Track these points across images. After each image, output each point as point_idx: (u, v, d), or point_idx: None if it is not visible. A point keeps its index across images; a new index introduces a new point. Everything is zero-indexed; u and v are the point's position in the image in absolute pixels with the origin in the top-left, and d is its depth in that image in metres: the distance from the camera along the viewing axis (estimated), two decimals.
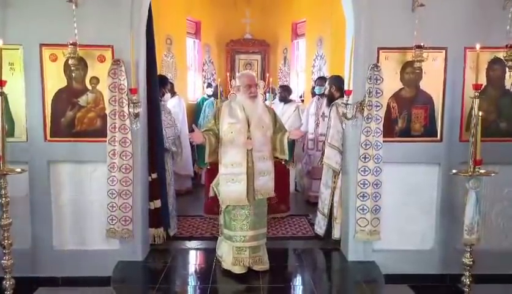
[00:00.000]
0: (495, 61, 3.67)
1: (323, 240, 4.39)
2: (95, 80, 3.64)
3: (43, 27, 3.58)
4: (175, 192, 4.71)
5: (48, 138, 3.67)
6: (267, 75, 8.10)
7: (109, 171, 3.62)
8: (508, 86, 3.72)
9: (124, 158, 3.60)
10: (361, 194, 3.67)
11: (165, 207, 4.17)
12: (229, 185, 3.51)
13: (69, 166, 3.76)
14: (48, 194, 3.74)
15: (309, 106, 6.23)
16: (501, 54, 3.54)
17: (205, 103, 7.32)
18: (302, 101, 8.19)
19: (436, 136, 3.74)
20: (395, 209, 3.81)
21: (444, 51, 3.66)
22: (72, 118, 3.66)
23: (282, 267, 3.80)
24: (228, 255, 3.64)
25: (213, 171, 5.15)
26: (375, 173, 3.64)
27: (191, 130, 6.81)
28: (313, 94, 6.24)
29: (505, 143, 3.73)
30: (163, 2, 7.03)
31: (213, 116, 3.67)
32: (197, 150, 3.60)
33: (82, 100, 3.66)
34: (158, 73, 4.60)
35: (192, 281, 3.65)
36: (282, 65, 9.38)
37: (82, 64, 3.58)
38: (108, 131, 3.58)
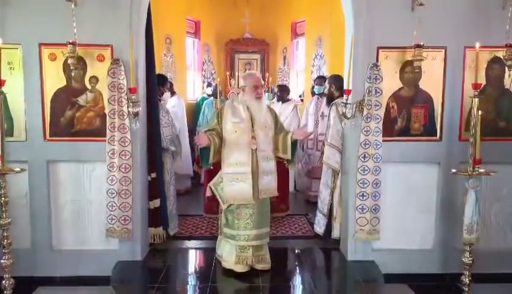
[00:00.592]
0: (494, 60, 3.68)
1: (322, 239, 4.39)
2: (95, 79, 3.64)
3: (42, 27, 3.57)
4: (175, 191, 4.69)
5: (47, 137, 3.66)
6: (267, 74, 8.11)
7: (108, 170, 3.61)
8: (507, 85, 3.72)
9: (123, 157, 3.60)
10: (361, 193, 3.67)
11: (163, 207, 4.17)
12: (234, 184, 3.51)
13: (68, 166, 3.76)
14: (47, 193, 3.74)
15: (308, 106, 6.23)
16: (500, 54, 3.55)
17: (205, 103, 7.30)
18: (302, 100, 8.18)
19: (436, 136, 3.74)
20: (394, 209, 3.81)
21: (443, 50, 3.66)
22: (71, 117, 3.66)
23: (281, 266, 3.80)
24: (230, 254, 3.64)
25: (213, 170, 5.17)
26: (374, 173, 3.64)
27: (190, 130, 6.85)
28: (313, 94, 6.24)
29: (504, 142, 3.73)
30: (163, 2, 7.03)
31: (216, 115, 3.67)
32: (201, 151, 3.59)
33: (81, 100, 3.66)
34: (157, 73, 4.60)
35: (191, 280, 3.65)
36: (282, 64, 9.38)
37: (81, 63, 3.58)
38: (107, 131, 3.58)
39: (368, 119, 3.61)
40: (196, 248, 4.29)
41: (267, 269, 3.64)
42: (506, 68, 3.54)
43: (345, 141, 4.00)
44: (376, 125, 3.61)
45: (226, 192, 3.56)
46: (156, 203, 4.08)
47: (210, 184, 3.71)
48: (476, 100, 3.02)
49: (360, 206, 3.68)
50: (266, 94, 6.55)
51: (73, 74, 3.61)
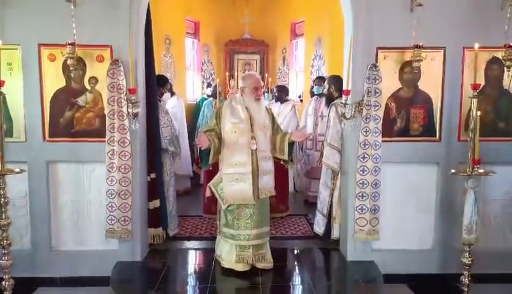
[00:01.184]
0: (493, 61, 3.69)
1: (322, 240, 4.40)
2: (94, 80, 3.64)
3: (41, 27, 3.58)
4: (175, 191, 4.69)
5: (47, 138, 3.67)
6: (266, 75, 8.12)
7: (108, 171, 3.62)
8: (506, 85, 3.73)
9: (122, 158, 3.60)
10: (360, 194, 3.68)
11: (163, 207, 4.17)
12: (233, 184, 3.52)
13: (68, 166, 3.76)
14: (47, 194, 3.74)
15: (308, 107, 6.23)
16: (499, 54, 3.55)
17: (204, 103, 7.31)
18: (301, 101, 8.19)
19: (435, 136, 3.75)
20: (394, 209, 3.81)
21: (442, 50, 3.67)
22: (71, 118, 3.66)
23: (281, 266, 3.80)
24: (230, 254, 3.65)
25: (212, 171, 5.16)
26: (373, 173, 3.64)
27: (190, 131, 6.85)
28: (312, 94, 6.24)
29: (503, 142, 3.74)
30: (162, 2, 7.03)
31: (215, 115, 3.68)
32: (201, 152, 3.60)
33: (81, 100, 3.66)
34: (157, 73, 4.60)
35: (191, 281, 3.65)
36: (281, 65, 9.38)
37: (81, 63, 3.58)
38: (106, 131, 3.58)
39: (368, 120, 3.62)
40: (196, 249, 4.29)
41: (269, 268, 3.65)
42: (505, 69, 3.53)
43: (345, 142, 4.00)
44: (375, 125, 3.62)
45: (226, 192, 3.56)
46: (156, 203, 4.08)
47: (210, 184, 3.71)
48: (475, 100, 3.02)
49: (359, 207, 3.69)
50: (266, 94, 6.56)
51: (72, 75, 3.62)
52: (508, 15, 3.48)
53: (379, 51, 3.66)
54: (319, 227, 4.48)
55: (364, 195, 3.67)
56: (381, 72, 3.60)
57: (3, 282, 2.96)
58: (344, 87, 3.59)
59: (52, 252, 3.79)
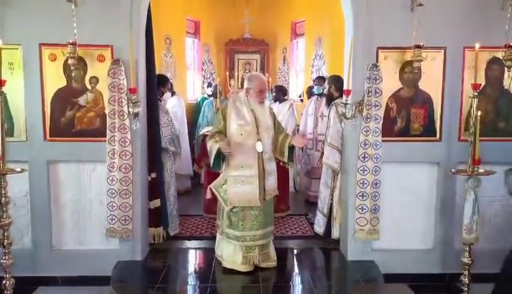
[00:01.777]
0: (493, 61, 3.69)
1: (322, 239, 4.40)
2: (95, 80, 3.65)
3: (42, 27, 3.58)
4: (176, 191, 4.69)
5: (48, 137, 3.67)
6: (267, 74, 8.11)
7: (108, 170, 3.62)
8: (506, 85, 3.73)
9: (123, 157, 3.61)
10: (360, 193, 3.68)
11: (164, 207, 4.17)
12: (238, 186, 3.50)
13: (69, 166, 3.77)
14: (48, 194, 3.75)
15: (308, 106, 6.23)
16: (499, 54, 3.55)
17: (204, 103, 7.31)
18: (302, 101, 8.19)
19: (435, 136, 3.75)
20: (394, 209, 3.82)
21: (443, 50, 3.67)
22: (72, 118, 3.67)
23: (281, 266, 3.80)
24: (234, 255, 3.64)
25: (212, 171, 5.19)
26: (374, 173, 3.65)
27: (190, 131, 6.84)
28: (309, 95, 6.24)
29: (504, 142, 3.74)
30: (163, 2, 7.03)
31: (221, 116, 3.62)
32: (216, 156, 3.51)
33: (81, 100, 3.67)
34: (158, 73, 4.61)
35: (191, 280, 3.65)
36: (281, 64, 9.39)
37: (81, 63, 3.59)
38: (107, 131, 3.59)
39: (368, 120, 3.62)
40: (197, 249, 4.30)
41: (273, 267, 3.68)
42: (505, 69, 3.54)
43: (345, 142, 4.01)
44: (376, 125, 3.62)
45: (230, 194, 3.53)
46: (156, 203, 4.09)
47: (212, 186, 3.69)
48: (476, 100, 3.03)
49: (360, 206, 3.69)
50: (267, 94, 6.57)
51: (73, 74, 3.62)
52: (509, 15, 3.49)
53: (379, 51, 3.66)
54: (319, 227, 4.48)
55: (365, 194, 3.68)
56: (382, 72, 3.60)
57: (4, 281, 2.96)
58: (345, 87, 3.59)
59: (53, 251, 3.80)
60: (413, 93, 3.71)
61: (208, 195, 3.74)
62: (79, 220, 3.83)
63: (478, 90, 3.06)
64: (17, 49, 3.57)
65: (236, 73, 9.06)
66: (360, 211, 3.69)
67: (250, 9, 8.88)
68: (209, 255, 4.01)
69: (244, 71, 9.16)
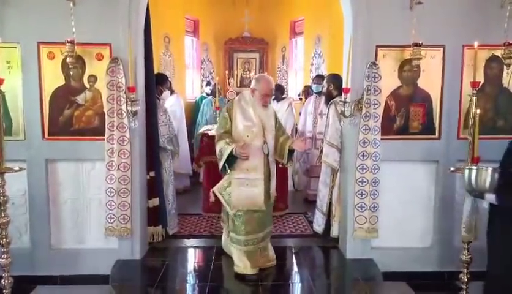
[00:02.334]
0: (492, 59, 3.68)
1: (321, 238, 4.40)
2: (93, 78, 3.64)
3: (40, 26, 3.57)
4: (175, 190, 4.69)
5: (46, 136, 3.66)
6: (266, 73, 8.10)
7: (107, 169, 3.62)
8: (505, 83, 3.73)
9: (122, 156, 3.60)
10: (359, 192, 3.68)
11: (162, 206, 4.17)
12: (243, 189, 3.42)
13: (67, 165, 3.76)
14: (46, 192, 3.74)
15: (307, 105, 6.23)
16: (498, 52, 3.56)
17: (203, 102, 7.32)
18: (301, 99, 8.18)
19: (434, 134, 3.75)
20: (393, 207, 3.81)
21: (442, 48, 3.67)
22: (70, 116, 3.66)
23: (280, 265, 3.80)
24: (240, 260, 3.54)
25: (211, 169, 5.19)
26: (373, 171, 3.64)
27: (189, 130, 6.84)
28: (306, 94, 6.23)
29: (503, 140, 3.71)
30: (162, 1, 7.04)
31: (228, 116, 3.49)
32: (228, 158, 3.37)
33: (80, 98, 3.66)
34: (157, 72, 4.59)
35: (190, 279, 3.65)
36: (281, 63, 9.38)
37: (80, 62, 3.58)
38: (106, 130, 3.58)
39: (367, 118, 3.62)
40: (195, 247, 4.29)
41: (272, 266, 3.67)
42: (504, 67, 3.55)
43: (344, 140, 4.00)
44: (375, 123, 3.62)
45: (234, 197, 3.45)
46: (155, 201, 4.09)
47: (215, 189, 3.60)
48: (475, 98, 3.03)
49: (359, 204, 3.69)
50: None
51: (71, 73, 3.61)
52: (508, 13, 3.48)
53: (378, 49, 3.65)
54: (318, 225, 4.48)
55: (363, 193, 3.68)
56: (381, 70, 3.59)
57: (2, 281, 2.96)
58: (344, 85, 3.59)
59: (52, 251, 3.79)
60: (412, 91, 3.71)
61: (212, 198, 3.64)
62: (78, 219, 3.82)
63: (476, 88, 3.06)
64: (15, 47, 3.56)
65: (235, 72, 9.05)
66: (359, 209, 3.69)
67: (249, 8, 8.88)
68: (208, 253, 4.01)
69: (243, 70, 9.17)
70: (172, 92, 6.27)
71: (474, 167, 2.75)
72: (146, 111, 3.97)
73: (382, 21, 3.61)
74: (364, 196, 3.68)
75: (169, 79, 6.65)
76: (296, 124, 6.45)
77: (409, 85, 3.71)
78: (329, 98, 4.65)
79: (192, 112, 7.78)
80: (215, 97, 6.64)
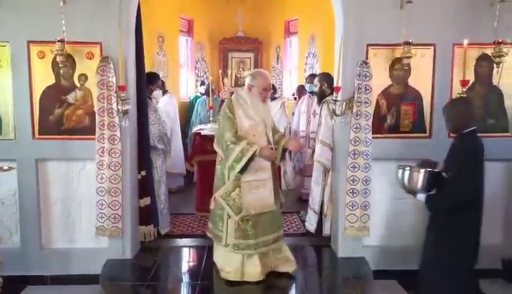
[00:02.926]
0: (483, 58, 3.71)
1: (314, 236, 4.40)
2: (84, 77, 3.63)
3: (30, 24, 3.56)
4: (167, 190, 4.69)
5: (36, 135, 3.65)
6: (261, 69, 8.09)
7: (98, 168, 3.60)
8: (495, 82, 3.74)
9: (112, 155, 3.59)
10: (351, 190, 3.69)
11: (154, 205, 4.16)
12: (254, 192, 3.27)
13: (58, 164, 3.75)
14: (37, 192, 3.72)
15: (300, 104, 6.23)
16: (489, 51, 3.58)
17: (198, 101, 7.31)
18: (295, 99, 8.18)
19: (425, 133, 3.76)
20: (384, 205, 3.83)
21: (432, 47, 3.68)
22: (60, 115, 3.65)
23: None
24: (243, 266, 3.38)
25: (204, 169, 5.19)
26: (364, 170, 3.65)
27: (183, 129, 6.82)
28: (300, 93, 6.23)
29: (493, 138, 3.75)
30: (155, 0, 7.01)
31: (232, 116, 3.32)
32: (249, 159, 3.24)
33: (70, 97, 3.65)
34: (149, 71, 4.57)
35: (181, 278, 3.64)
36: (275, 63, 9.38)
37: (70, 61, 3.57)
38: (96, 129, 3.57)
39: (358, 116, 3.62)
40: (187, 247, 4.28)
41: (292, 271, 3.51)
42: (494, 65, 3.56)
43: (335, 138, 4.01)
44: (366, 122, 3.62)
45: (246, 201, 3.27)
46: (146, 200, 4.08)
47: (217, 195, 3.40)
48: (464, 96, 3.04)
49: (350, 203, 3.69)
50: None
51: (62, 72, 3.60)
52: (498, 12, 3.50)
53: (369, 48, 3.66)
54: (311, 224, 4.49)
55: (355, 191, 3.68)
56: (372, 69, 3.60)
57: None
58: (335, 84, 3.59)
59: (42, 250, 3.78)
60: (403, 90, 3.72)
61: (212, 206, 3.51)
62: (68, 218, 3.81)
63: (466, 87, 3.08)
64: (5, 46, 3.55)
65: (230, 72, 9.05)
66: (350, 207, 3.70)
67: (244, 7, 8.87)
68: (199, 252, 4.01)
69: (238, 70, 9.16)
70: (165, 91, 6.26)
71: (407, 168, 2.81)
72: (138, 110, 3.95)
73: (373, 20, 3.62)
74: (355, 194, 3.68)
75: (163, 78, 6.67)
76: (290, 124, 6.45)
77: (400, 84, 3.72)
78: (321, 97, 4.65)
79: (186, 112, 7.76)
80: (209, 96, 6.63)
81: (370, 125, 3.63)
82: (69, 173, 3.76)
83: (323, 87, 4.65)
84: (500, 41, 3.42)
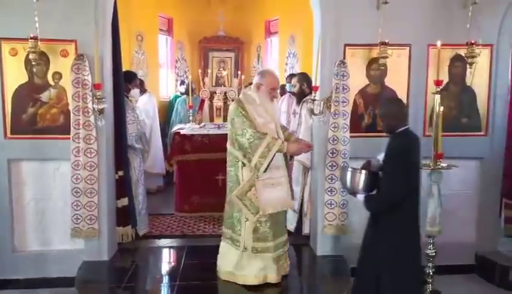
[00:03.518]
0: (456, 58, 3.79)
1: (293, 235, 4.40)
2: (58, 75, 3.55)
3: (2, 21, 3.46)
4: (145, 190, 4.63)
5: (8, 135, 3.55)
6: (239, 72, 8.12)
7: (73, 169, 3.52)
8: (468, 82, 3.83)
9: (88, 155, 3.52)
10: (329, 189, 3.72)
11: (131, 206, 4.10)
12: (270, 190, 3.18)
13: (31, 164, 3.66)
14: (9, 193, 3.63)
15: (280, 104, 6.24)
16: (462, 51, 3.66)
17: (177, 101, 7.25)
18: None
19: None
20: (362, 204, 3.85)
21: (408, 48, 3.75)
22: (34, 114, 3.56)
23: None
24: (265, 269, 3.26)
25: (184, 168, 5.15)
26: None
27: (162, 128, 6.75)
28: (282, 93, 6.25)
29: (466, 137, 3.85)
30: None
31: (248, 117, 3.15)
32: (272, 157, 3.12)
33: (44, 96, 3.56)
34: (127, 70, 4.50)
35: (159, 279, 3.59)
36: (256, 63, 9.38)
37: (44, 58, 3.48)
38: (71, 128, 3.50)
39: (336, 116, 3.65)
40: (166, 247, 4.23)
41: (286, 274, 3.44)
42: (468, 66, 3.65)
43: (314, 138, 4.03)
44: (344, 121, 3.66)
45: (264, 201, 3.14)
46: (124, 201, 4.01)
47: (233, 195, 3.22)
48: (438, 96, 3.11)
49: (328, 201, 3.72)
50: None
51: (35, 70, 3.51)
52: (470, 14, 3.58)
53: (347, 47, 3.70)
54: (291, 223, 4.49)
55: (333, 189, 3.71)
56: (349, 69, 3.64)
57: None
58: (313, 84, 3.62)
59: (15, 253, 3.67)
60: (379, 89, 3.77)
61: (227, 208, 3.37)
62: (43, 220, 3.72)
63: (440, 87, 3.14)
64: None
65: (210, 71, 9.00)
66: (329, 206, 3.73)
67: (224, 7, 8.84)
68: (178, 253, 3.97)
69: (218, 69, 9.12)
70: (144, 90, 6.19)
71: (349, 169, 2.85)
72: (115, 109, 3.89)
73: (350, 20, 3.66)
74: (333, 193, 3.71)
75: (142, 77, 6.59)
76: None
77: (376, 83, 3.77)
78: (301, 97, 4.67)
79: (166, 111, 7.69)
80: (189, 96, 6.58)
81: (348, 124, 3.67)
82: (44, 173, 3.67)
83: (303, 87, 4.65)
84: (473, 42, 3.52)
